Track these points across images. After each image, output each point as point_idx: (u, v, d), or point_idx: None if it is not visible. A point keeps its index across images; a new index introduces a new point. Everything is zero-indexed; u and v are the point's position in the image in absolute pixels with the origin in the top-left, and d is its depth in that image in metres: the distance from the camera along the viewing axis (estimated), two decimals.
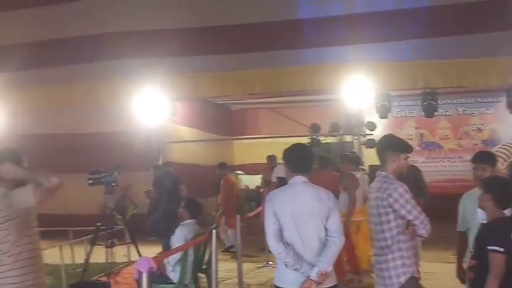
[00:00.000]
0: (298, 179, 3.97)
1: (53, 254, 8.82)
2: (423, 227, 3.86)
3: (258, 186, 15.08)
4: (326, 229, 3.86)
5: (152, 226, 9.70)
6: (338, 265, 5.41)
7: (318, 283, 3.76)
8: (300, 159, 4.05)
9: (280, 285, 3.90)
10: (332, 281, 3.89)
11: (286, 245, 3.80)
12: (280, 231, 3.82)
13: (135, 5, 11.24)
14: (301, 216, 3.83)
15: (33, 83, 12.90)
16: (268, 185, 10.80)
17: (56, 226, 9.92)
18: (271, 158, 11.95)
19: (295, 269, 3.78)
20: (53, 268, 8.66)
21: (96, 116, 12.96)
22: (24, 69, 12.45)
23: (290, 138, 11.14)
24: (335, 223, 3.87)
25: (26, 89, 13.09)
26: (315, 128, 13.82)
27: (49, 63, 12.25)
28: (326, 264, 3.78)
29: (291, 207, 3.84)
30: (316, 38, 10.44)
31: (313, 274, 3.75)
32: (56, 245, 8.99)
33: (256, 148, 15.88)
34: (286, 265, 3.81)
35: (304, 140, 11.83)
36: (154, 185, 9.95)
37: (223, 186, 11.04)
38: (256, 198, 13.60)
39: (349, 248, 7.34)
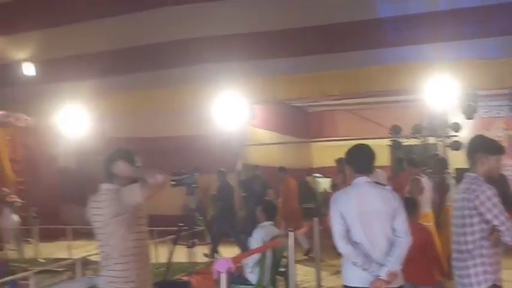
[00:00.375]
0: (362, 180, 3.97)
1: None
2: (509, 234, 3.64)
3: (326, 189, 14.77)
4: (393, 229, 3.85)
5: (230, 227, 9.84)
6: (428, 271, 5.27)
7: (387, 283, 3.75)
8: (363, 160, 4.05)
9: (349, 285, 3.90)
10: (399, 281, 3.87)
11: (355, 244, 3.81)
12: (348, 231, 3.84)
13: (214, 11, 11.45)
14: (367, 216, 3.83)
15: (118, 89, 13.53)
16: (337, 188, 10.64)
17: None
18: (341, 161, 11.74)
19: (364, 269, 3.78)
20: None
21: (177, 120, 13.34)
22: (110, 75, 13.09)
23: (370, 140, 10.92)
24: (402, 223, 3.85)
25: (112, 95, 13.76)
26: (396, 130, 13.41)
27: (133, 70, 12.77)
28: (395, 264, 3.77)
29: (356, 208, 3.85)
30: (396, 37, 10.17)
31: (383, 274, 3.74)
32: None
33: (334, 150, 15.67)
34: (355, 265, 3.81)
35: (385, 142, 11.54)
36: (218, 190, 10.04)
37: (282, 190, 11.00)
38: None
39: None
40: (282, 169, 11.16)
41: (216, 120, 11.96)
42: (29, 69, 13.21)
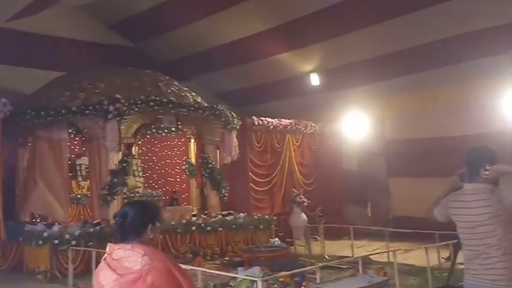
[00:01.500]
0: None
1: (419, 256, 8.93)
2: None
3: None
4: None
5: None
6: None
7: None
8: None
9: None
10: None
11: None
12: None
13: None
14: None
15: (398, 91, 13.44)
16: None
17: (422, 228, 10.02)
18: None
19: None
20: (419, 270, 8.79)
21: (461, 118, 12.49)
22: (390, 78, 13.07)
23: None
24: None
25: (392, 96, 13.75)
26: None
27: (414, 70, 12.52)
28: None
29: None
30: None
31: None
32: (421, 247, 9.05)
33: None
34: None
35: None
36: None
37: None
38: None
39: None
40: None
41: (508, 117, 10.82)
42: (314, 80, 14.13)
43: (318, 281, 6.54)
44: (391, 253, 9.85)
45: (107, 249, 2.62)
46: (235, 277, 7.75)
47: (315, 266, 7.23)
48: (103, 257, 2.63)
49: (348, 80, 13.59)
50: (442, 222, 3.69)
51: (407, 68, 12.57)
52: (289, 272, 7.30)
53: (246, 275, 7.00)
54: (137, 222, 2.61)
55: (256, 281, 5.92)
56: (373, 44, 12.31)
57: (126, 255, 2.53)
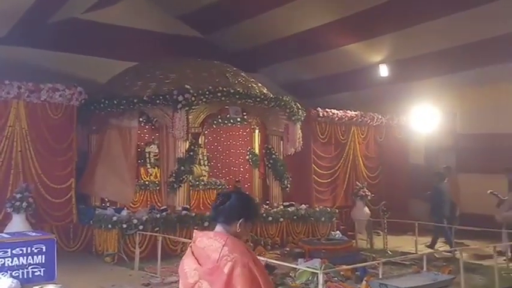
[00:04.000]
0: None
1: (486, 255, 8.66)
2: None
3: None
4: None
5: None
6: None
7: None
8: None
9: None
10: None
11: None
12: None
13: None
14: None
15: (469, 84, 12.99)
16: None
17: (489, 226, 9.75)
18: None
19: None
20: (485, 269, 8.53)
21: None
22: (461, 71, 12.65)
23: None
24: None
25: (463, 89, 13.30)
26: None
27: (486, 63, 12.06)
28: None
29: None
30: None
31: None
32: (489, 246, 8.78)
33: None
34: None
35: None
36: None
37: None
38: None
39: None
40: None
41: None
42: (383, 71, 13.87)
43: (380, 276, 6.48)
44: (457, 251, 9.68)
45: (193, 236, 2.67)
46: (295, 268, 7.83)
47: (377, 261, 7.17)
48: (189, 244, 2.68)
49: (418, 71, 13.29)
50: None
51: (479, 61, 12.19)
52: (350, 266, 7.29)
53: (307, 267, 7.03)
54: (233, 210, 2.61)
55: (317, 274, 5.95)
56: (444, 36, 11.99)
57: (208, 243, 2.55)
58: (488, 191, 10.64)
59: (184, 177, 10.76)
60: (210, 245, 2.53)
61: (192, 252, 2.59)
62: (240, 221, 2.59)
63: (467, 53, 12.02)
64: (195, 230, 2.74)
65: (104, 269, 8.97)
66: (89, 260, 9.61)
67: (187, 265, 2.57)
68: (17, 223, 9.47)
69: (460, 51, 12.09)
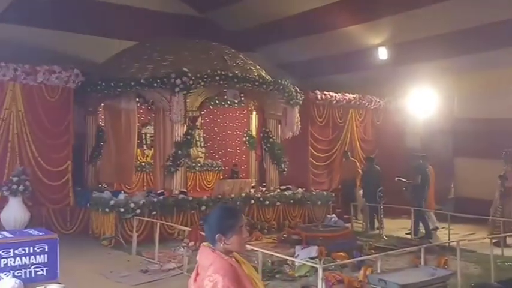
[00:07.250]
0: None
1: (483, 244, 8.67)
2: None
3: None
4: None
5: None
6: None
7: None
8: None
9: None
10: None
11: None
12: None
13: None
14: None
15: (469, 69, 12.90)
16: None
17: (485, 211, 9.85)
18: None
19: None
20: (480, 257, 8.53)
21: None
22: (460, 55, 12.54)
23: None
24: None
25: (462, 75, 13.22)
26: None
27: (485, 48, 11.96)
28: None
29: None
30: None
31: None
32: (486, 237, 8.80)
33: None
34: None
35: None
36: None
37: None
38: None
39: None
40: None
41: None
42: (382, 53, 13.73)
43: (378, 270, 6.50)
44: (452, 236, 9.79)
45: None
46: (292, 256, 7.87)
47: (375, 256, 7.19)
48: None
49: (417, 54, 13.15)
50: None
51: (478, 46, 12.05)
52: (349, 261, 7.44)
53: (307, 261, 7.08)
54: (210, 229, 2.68)
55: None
56: (444, 20, 11.87)
57: (201, 262, 2.67)
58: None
59: (181, 161, 10.73)
60: (203, 263, 2.65)
61: (200, 252, 2.70)
62: (217, 236, 2.64)
63: (467, 37, 11.90)
64: (202, 245, 2.75)
65: (101, 253, 8.98)
66: (86, 243, 9.61)
67: (199, 258, 2.69)
68: (14, 206, 9.47)
69: (459, 36, 11.97)
